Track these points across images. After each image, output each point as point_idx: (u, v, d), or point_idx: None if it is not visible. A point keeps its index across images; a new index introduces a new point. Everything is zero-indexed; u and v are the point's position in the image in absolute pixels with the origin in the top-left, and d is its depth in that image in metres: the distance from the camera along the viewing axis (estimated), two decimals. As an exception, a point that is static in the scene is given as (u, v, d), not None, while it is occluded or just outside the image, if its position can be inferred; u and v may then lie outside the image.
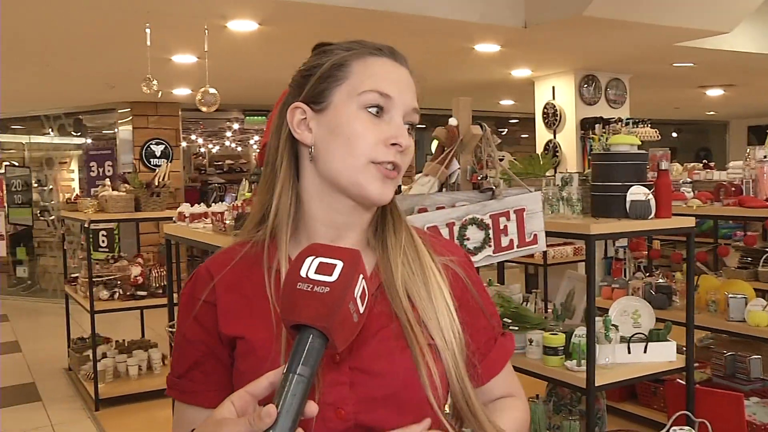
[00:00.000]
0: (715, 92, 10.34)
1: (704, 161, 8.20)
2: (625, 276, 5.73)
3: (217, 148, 13.38)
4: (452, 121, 2.90)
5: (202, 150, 13.11)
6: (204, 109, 5.31)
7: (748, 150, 4.45)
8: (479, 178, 2.86)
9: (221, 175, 12.50)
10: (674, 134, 17.16)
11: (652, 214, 3.28)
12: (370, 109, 1.10)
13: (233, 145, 13.38)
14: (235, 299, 1.13)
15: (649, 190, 3.29)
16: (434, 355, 1.10)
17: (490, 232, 2.70)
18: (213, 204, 4.78)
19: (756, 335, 4.09)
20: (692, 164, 6.83)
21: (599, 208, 3.35)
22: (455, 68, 7.16)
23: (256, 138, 12.86)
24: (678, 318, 3.91)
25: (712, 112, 14.43)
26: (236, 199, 4.31)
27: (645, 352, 3.40)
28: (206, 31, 5.01)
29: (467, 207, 2.72)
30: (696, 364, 4.92)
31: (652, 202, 3.28)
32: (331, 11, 4.54)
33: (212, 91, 5.22)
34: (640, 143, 3.46)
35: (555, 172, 6.22)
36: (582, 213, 3.42)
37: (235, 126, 12.37)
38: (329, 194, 1.14)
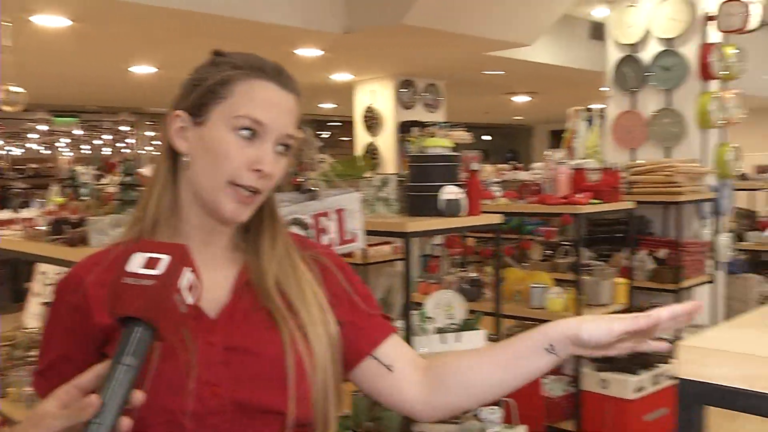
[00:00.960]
0: (520, 99, 11.14)
1: (511, 162, 8.82)
2: (442, 272, 6.05)
3: (21, 151, 12.49)
4: (273, 124, 2.94)
5: (2, 153, 12.20)
6: (7, 108, 4.98)
7: (546, 152, 4.86)
8: (301, 179, 2.94)
9: (25, 180, 11.71)
10: (485, 137, 18.26)
11: (464, 212, 3.51)
12: (242, 132, 1.15)
13: (39, 147, 12.56)
14: (107, 293, 1.14)
15: (462, 189, 3.52)
16: (305, 342, 1.17)
17: (312, 231, 2.79)
18: (19, 210, 4.50)
19: (551, 319, 4.48)
20: (501, 165, 7.34)
21: (415, 207, 3.53)
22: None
23: (66, 141, 12.15)
24: (488, 308, 4.21)
25: (519, 117, 15.50)
26: (46, 205, 4.09)
27: (458, 341, 3.63)
28: (9, 26, 4.70)
29: (290, 207, 2.79)
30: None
31: (464, 201, 3.51)
32: (148, 11, 4.44)
33: (16, 89, 4.91)
34: (453, 145, 3.69)
35: (376, 173, 6.44)
36: (399, 212, 3.59)
37: (42, 127, 11.62)
38: (198, 202, 1.19)
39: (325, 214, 2.82)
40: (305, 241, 1.37)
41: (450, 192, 3.46)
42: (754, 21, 5.54)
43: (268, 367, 1.15)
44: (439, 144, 3.59)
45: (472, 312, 4.01)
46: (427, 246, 7.19)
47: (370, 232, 3.09)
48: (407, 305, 3.23)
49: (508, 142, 18.91)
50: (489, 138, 18.38)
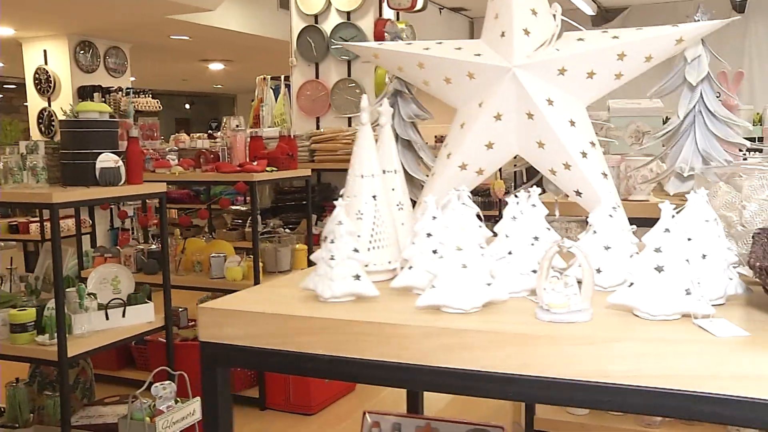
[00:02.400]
0: (216, 66, 10.95)
1: (209, 132, 8.65)
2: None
3: None
4: None
5: None
6: None
7: (225, 120, 4.81)
8: None
9: None
10: (187, 106, 17.77)
11: (123, 181, 3.33)
12: None
13: None
14: None
15: (120, 157, 3.32)
16: None
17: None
18: None
19: (232, 288, 4.48)
20: (200, 134, 7.11)
21: (70, 177, 3.27)
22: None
23: None
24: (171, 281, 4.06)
25: (219, 86, 15.27)
26: None
27: (123, 316, 3.46)
28: None
29: None
30: (191, 323, 5.24)
31: (122, 169, 3.33)
32: None
33: None
34: (110, 110, 3.47)
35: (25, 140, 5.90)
36: (50, 182, 3.30)
37: None
38: None
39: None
40: None
41: (106, 160, 3.26)
42: (420, 1, 5.99)
43: None
44: (94, 109, 3.34)
45: (141, 284, 3.85)
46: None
47: (11, 204, 2.79)
48: (58, 281, 2.99)
49: (212, 111, 18.59)
50: (191, 106, 17.93)
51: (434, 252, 1.32)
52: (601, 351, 1.04)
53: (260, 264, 4.45)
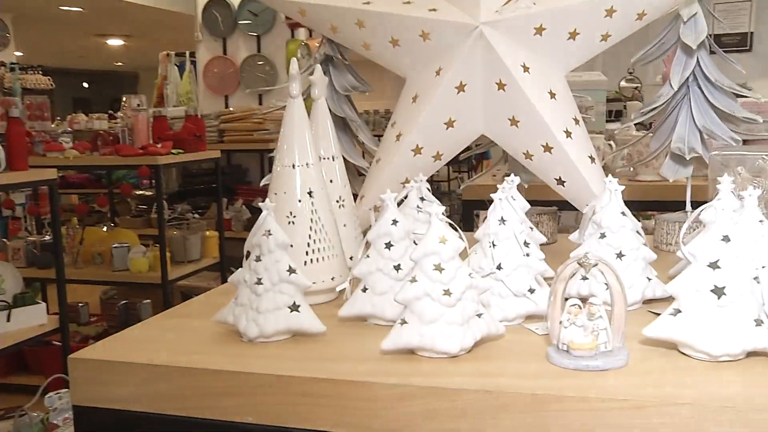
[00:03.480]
0: (115, 42, 10.22)
1: (110, 113, 8.00)
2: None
3: None
4: None
5: None
6: None
7: (124, 98, 4.32)
8: None
9: None
10: (86, 84, 16.73)
11: (3, 167, 2.87)
12: None
13: None
14: None
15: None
16: None
17: None
18: None
19: (138, 281, 4.05)
20: (99, 114, 6.50)
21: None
22: None
23: None
24: (68, 275, 3.58)
25: (120, 63, 14.38)
26: None
27: (9, 320, 2.99)
28: None
29: None
30: (93, 318, 4.76)
31: (2, 154, 2.87)
32: None
33: None
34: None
35: None
36: None
37: None
38: None
39: None
40: None
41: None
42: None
43: None
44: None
45: (31, 282, 3.37)
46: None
47: None
48: None
49: (113, 90, 17.57)
50: (90, 85, 16.88)
51: (396, 269, 0.99)
52: (649, 416, 0.73)
53: (168, 254, 4.01)
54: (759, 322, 0.80)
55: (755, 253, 0.85)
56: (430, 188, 1.20)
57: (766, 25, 7.04)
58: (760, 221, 0.89)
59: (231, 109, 5.43)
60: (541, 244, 1.19)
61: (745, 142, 2.32)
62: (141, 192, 5.89)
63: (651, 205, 2.28)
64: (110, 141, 4.26)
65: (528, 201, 1.41)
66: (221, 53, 5.79)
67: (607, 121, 3.39)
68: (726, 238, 0.81)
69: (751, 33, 7.48)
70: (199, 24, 5.76)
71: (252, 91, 5.67)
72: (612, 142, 2.67)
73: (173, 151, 4.05)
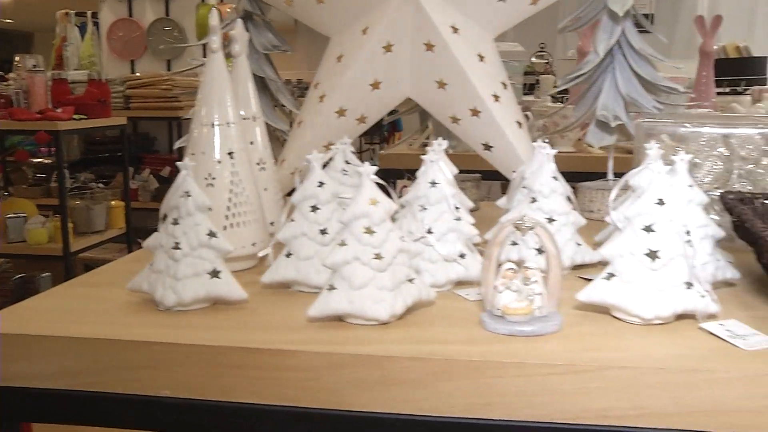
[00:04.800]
0: (7, -2, 9.60)
1: (0, 74, 7.54)
2: None
3: None
4: None
5: None
6: None
7: (17, 58, 4.05)
8: None
9: None
10: (-23, 46, 15.75)
11: None
12: None
13: None
14: None
15: None
16: None
17: None
18: None
19: (37, 253, 3.85)
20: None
21: None
22: None
23: None
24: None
25: (9, 21, 13.55)
26: None
27: None
28: None
29: None
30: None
31: None
32: None
33: None
34: None
35: None
36: None
37: None
38: None
39: None
40: None
41: None
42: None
43: None
44: None
45: None
46: None
47: None
48: None
49: (3, 51, 16.61)
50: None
51: (322, 233, 0.94)
52: (585, 381, 0.71)
53: (70, 224, 3.82)
54: (689, 285, 0.80)
55: (685, 217, 0.85)
56: (354, 151, 1.16)
57: (664, 7, 7.33)
58: (690, 186, 0.89)
59: (138, 74, 5.20)
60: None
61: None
62: (39, 160, 5.59)
63: (567, 176, 2.31)
64: (2, 104, 4.01)
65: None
66: (126, 15, 5.54)
67: (524, 94, 3.43)
68: (660, 202, 0.80)
69: (652, 15, 7.83)
70: (101, -18, 5.48)
71: (157, 59, 5.45)
72: (529, 113, 2.70)
73: (75, 116, 3.84)
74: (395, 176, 1.42)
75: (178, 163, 0.91)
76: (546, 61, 4.44)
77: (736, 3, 8.12)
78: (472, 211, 1.00)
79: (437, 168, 0.95)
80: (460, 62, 1.21)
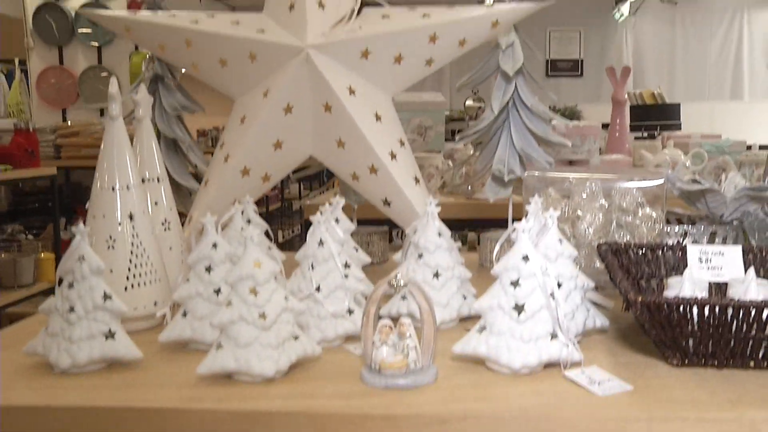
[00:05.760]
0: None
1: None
2: None
3: None
4: None
5: None
6: None
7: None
8: None
9: None
10: None
11: None
12: None
13: None
14: None
15: None
16: None
17: None
18: None
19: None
20: None
21: None
22: None
23: None
24: None
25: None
26: None
27: None
28: None
29: None
30: None
31: None
32: None
33: None
34: None
35: None
36: None
37: None
38: None
39: None
40: None
41: None
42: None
43: None
44: None
45: None
46: None
47: None
48: None
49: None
50: None
51: (217, 293, 0.98)
52: (455, 430, 0.76)
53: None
54: (554, 336, 0.86)
55: (553, 270, 0.91)
56: (256, 210, 1.20)
57: (591, 54, 7.67)
58: (560, 240, 0.96)
59: (69, 123, 5.16)
60: (372, 263, 1.22)
61: (571, 162, 2.51)
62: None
63: (487, 223, 2.39)
64: (-76, 155, 3.94)
65: (361, 220, 1.44)
66: (57, 63, 5.50)
67: (446, 140, 3.53)
68: (526, 258, 0.86)
69: (581, 60, 8.16)
70: (30, 29, 5.43)
71: (89, 107, 5.42)
72: (450, 162, 2.78)
73: (0, 167, 3.79)
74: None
75: (72, 228, 0.94)
76: (479, 105, 4.57)
77: (658, 51, 8.53)
78: (378, 263, 1.05)
79: (324, 228, 1.00)
80: (356, 122, 1.27)
